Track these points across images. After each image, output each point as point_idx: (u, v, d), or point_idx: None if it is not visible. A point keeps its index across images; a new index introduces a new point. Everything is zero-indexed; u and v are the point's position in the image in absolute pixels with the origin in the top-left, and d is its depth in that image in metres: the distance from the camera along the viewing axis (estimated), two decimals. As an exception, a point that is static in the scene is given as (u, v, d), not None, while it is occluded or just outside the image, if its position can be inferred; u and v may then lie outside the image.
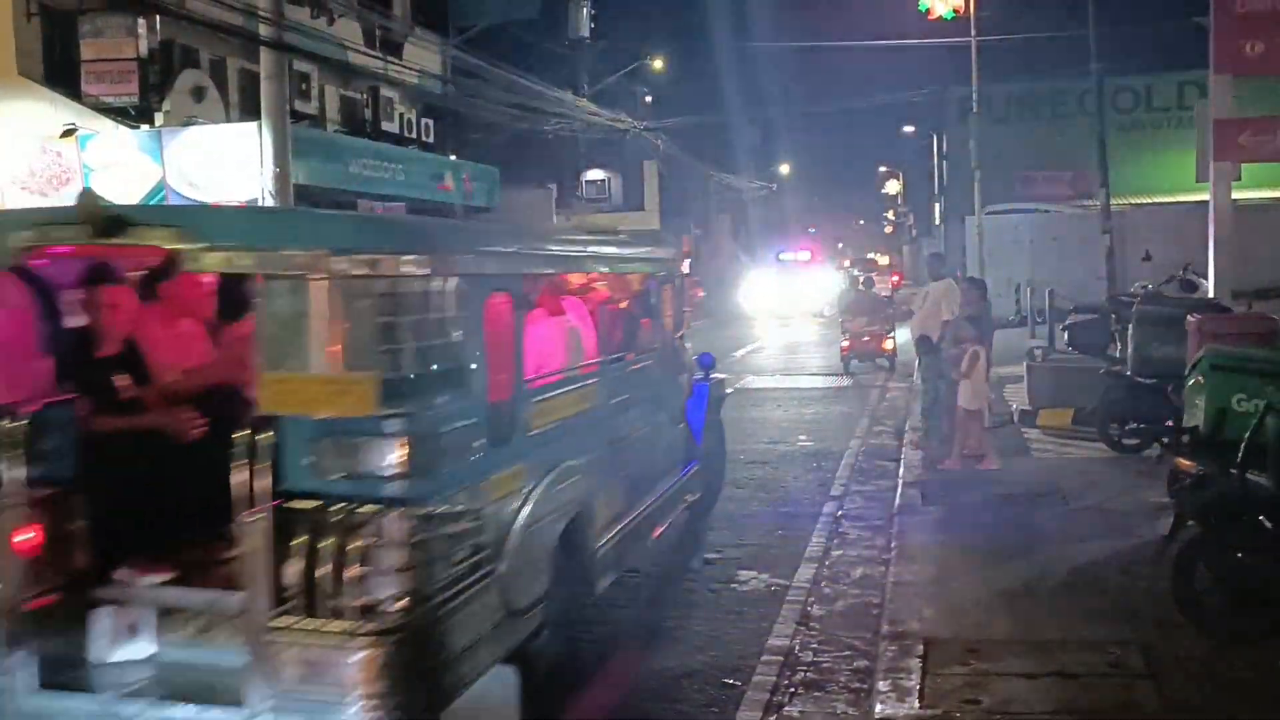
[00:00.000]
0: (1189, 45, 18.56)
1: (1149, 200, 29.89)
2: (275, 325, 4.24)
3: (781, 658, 6.12)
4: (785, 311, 35.26)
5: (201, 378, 5.07)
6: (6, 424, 4.36)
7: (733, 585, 7.63)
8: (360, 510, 4.10)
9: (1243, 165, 13.30)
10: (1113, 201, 22.73)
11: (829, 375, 19.76)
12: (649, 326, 7.63)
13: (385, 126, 24.46)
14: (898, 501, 9.26)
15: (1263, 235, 20.89)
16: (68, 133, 17.39)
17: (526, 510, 5.04)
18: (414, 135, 25.76)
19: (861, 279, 22.01)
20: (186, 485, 4.63)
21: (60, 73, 17.89)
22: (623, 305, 7.36)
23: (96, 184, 17.31)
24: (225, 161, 17.02)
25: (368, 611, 4.05)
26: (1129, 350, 10.68)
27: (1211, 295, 12.77)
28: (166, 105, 18.17)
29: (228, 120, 19.36)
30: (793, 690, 5.68)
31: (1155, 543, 6.17)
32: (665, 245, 8.92)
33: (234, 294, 5.17)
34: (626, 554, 6.62)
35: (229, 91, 21.09)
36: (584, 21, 29.47)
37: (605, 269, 6.98)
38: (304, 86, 21.06)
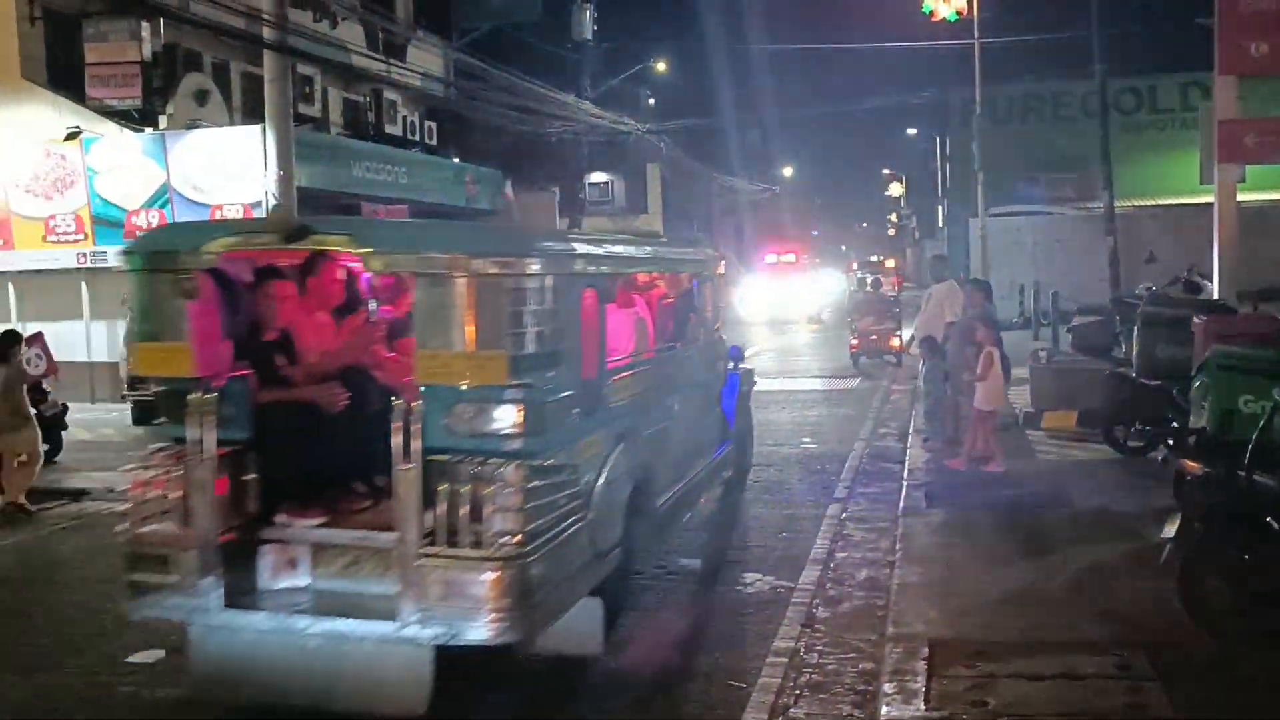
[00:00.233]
0: (1193, 46, 18.52)
1: (1153, 202, 29.85)
2: (426, 313, 5.26)
3: (787, 660, 6.11)
4: (777, 316, 33.46)
5: (333, 360, 6.05)
6: (202, 395, 5.40)
7: (738, 587, 7.63)
8: (488, 462, 5.15)
9: (1247, 167, 13.26)
10: (1116, 203, 22.70)
11: (832, 377, 19.75)
12: (695, 320, 8.76)
13: (388, 129, 24.46)
14: (902, 504, 9.24)
15: (1268, 237, 20.83)
16: (71, 136, 17.42)
17: (606, 470, 6.11)
18: (417, 138, 25.76)
19: (869, 280, 22.64)
20: (333, 446, 5.73)
21: (64, 76, 17.91)
22: (675, 301, 8.53)
23: (100, 187, 17.36)
24: (229, 165, 17.04)
25: (493, 543, 5.08)
26: (1134, 352, 10.65)
27: (1216, 297, 12.75)
28: (170, 109, 18.17)
29: (231, 123, 19.36)
30: (798, 692, 5.67)
31: (1162, 545, 6.14)
32: (706, 249, 9.92)
33: (353, 292, 6.52)
34: (679, 516, 7.86)
35: (232, 95, 21.09)
36: (587, 24, 29.44)
37: (663, 269, 8.22)
38: (307, 89, 21.07)
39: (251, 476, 5.68)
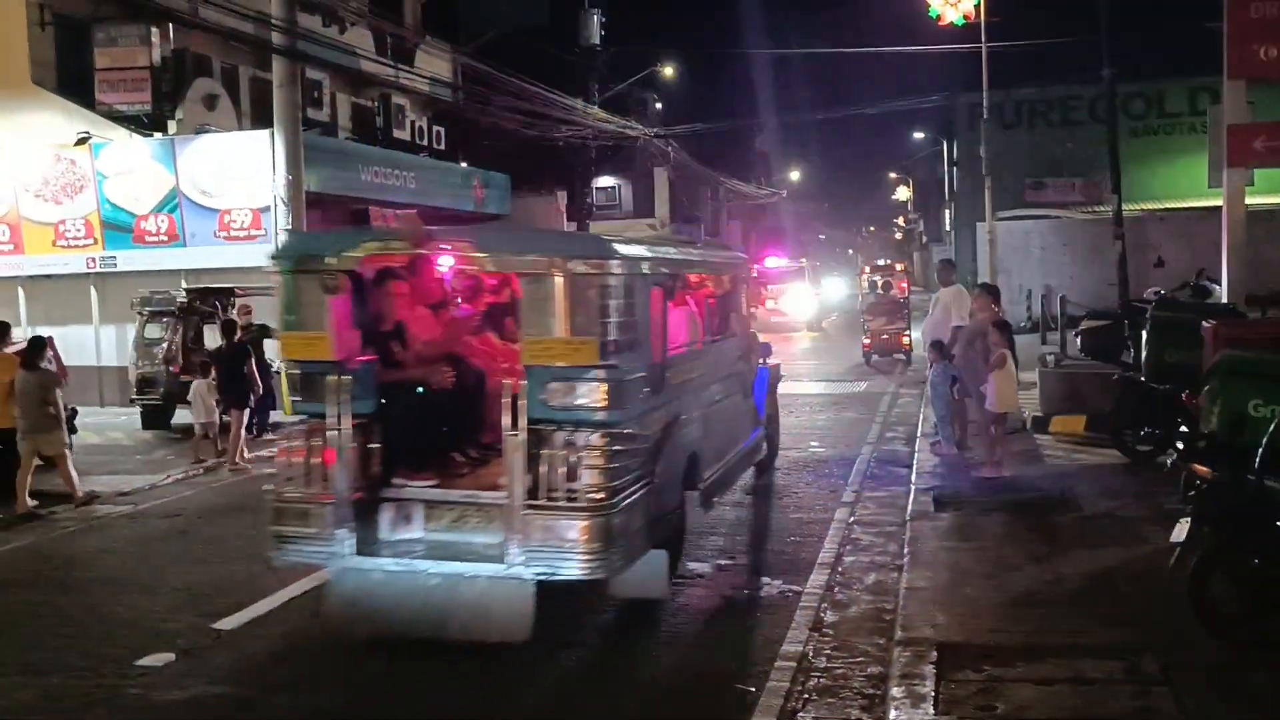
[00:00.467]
0: (1202, 50, 18.49)
1: (1161, 206, 29.80)
2: (530, 306, 6.25)
3: (795, 664, 6.10)
4: (773, 323, 31.16)
5: (435, 347, 7.11)
6: (340, 376, 6.37)
7: (746, 591, 7.63)
8: (579, 430, 6.14)
9: (1256, 171, 13.23)
10: (1125, 207, 22.65)
11: (840, 381, 19.73)
12: (733, 316, 9.67)
13: (397, 134, 24.51)
14: (910, 508, 9.22)
15: (1276, 241, 20.81)
16: (81, 141, 17.50)
17: (668, 442, 7.02)
18: (425, 142, 25.82)
19: (881, 283, 23.80)
20: (438, 419, 6.82)
21: (74, 81, 17.98)
22: (718, 299, 9.37)
23: (109, 191, 17.42)
24: (238, 169, 17.10)
25: (584, 497, 6.07)
26: (1143, 356, 10.63)
27: (1225, 301, 12.71)
28: (179, 113, 18.25)
29: (240, 128, 19.44)
30: (806, 696, 5.66)
31: (1171, 549, 6.12)
32: (740, 254, 11.14)
33: (445, 290, 7.72)
34: (721, 492, 8.69)
35: (241, 99, 21.16)
36: (594, 29, 29.48)
37: (708, 271, 9.04)
38: (316, 94, 21.13)
39: (375, 445, 6.59)
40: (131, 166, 17.46)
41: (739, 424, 9.49)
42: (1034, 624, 6.21)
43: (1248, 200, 12.99)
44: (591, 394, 6.16)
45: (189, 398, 13.30)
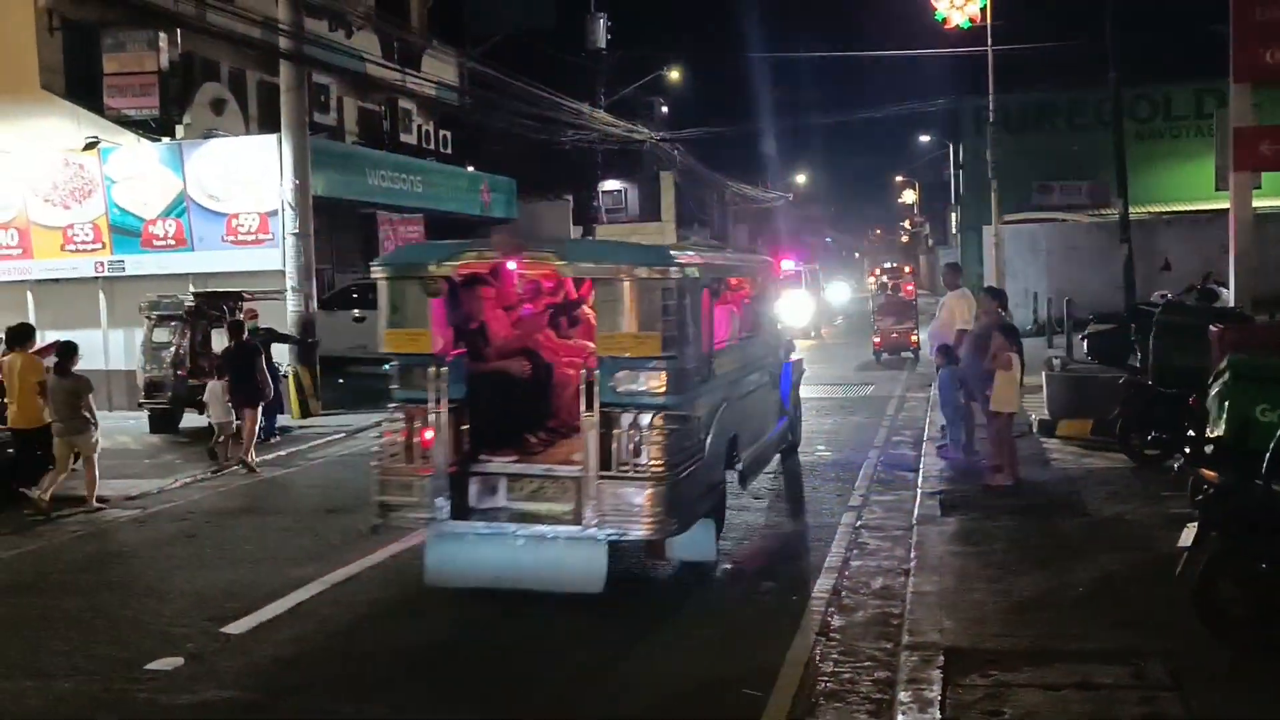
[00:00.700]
0: (1208, 53, 18.46)
1: (1168, 209, 29.74)
2: (603, 305, 7.29)
3: (802, 668, 6.11)
4: None
5: (510, 343, 8.21)
6: (439, 367, 7.37)
7: (753, 595, 7.64)
8: (642, 412, 7.07)
9: (1263, 173, 13.22)
10: (1131, 210, 22.61)
11: (846, 385, 19.72)
12: (764, 315, 10.64)
13: (403, 138, 24.57)
14: (917, 512, 9.22)
15: (1284, 244, 20.69)
16: (90, 145, 17.56)
17: (714, 425, 7.93)
18: (431, 146, 25.87)
19: (890, 285, 25.19)
20: (514, 404, 7.88)
21: (82, 87, 18.06)
22: (752, 299, 10.18)
23: (117, 196, 17.48)
24: (245, 173, 17.15)
25: (648, 469, 7.03)
26: (1150, 360, 10.62)
27: (1233, 304, 12.70)
28: (187, 118, 18.32)
29: (247, 133, 19.51)
30: (814, 701, 5.66)
31: (1178, 554, 6.12)
32: (768, 259, 12.28)
33: (516, 293, 8.84)
34: (755, 472, 9.60)
35: (249, 104, 21.24)
36: (601, 33, 29.54)
37: (744, 274, 9.93)
38: (323, 98, 21.19)
39: (465, 426, 7.62)
40: (139, 171, 17.51)
41: (769, 412, 10.47)
42: (1041, 628, 6.21)
43: (1255, 203, 12.99)
44: (654, 381, 7.12)
45: (205, 399, 13.37)
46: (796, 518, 9.91)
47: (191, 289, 16.45)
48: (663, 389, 7.13)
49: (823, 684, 5.87)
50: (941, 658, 5.80)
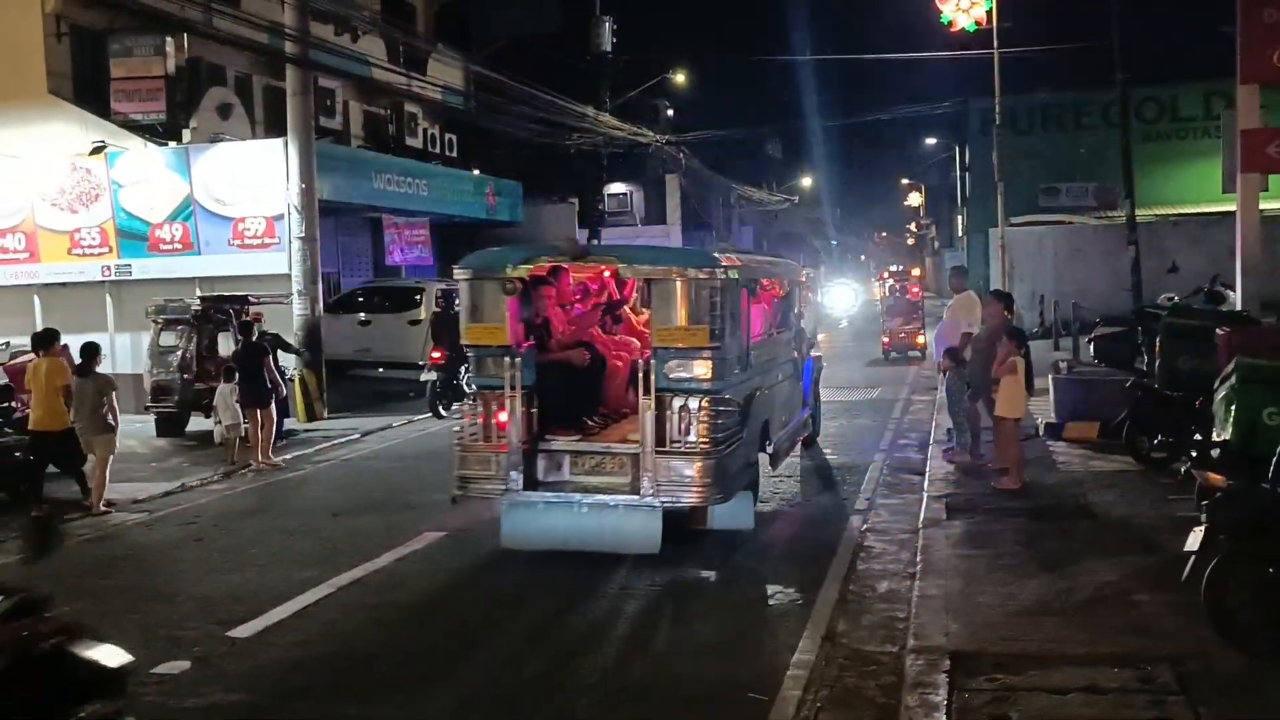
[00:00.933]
0: (1215, 55, 18.42)
1: (1175, 211, 29.66)
2: (659, 302, 8.22)
3: (807, 673, 6.10)
4: None
5: (569, 337, 9.33)
6: (513, 357, 8.28)
7: (758, 599, 7.63)
8: (691, 396, 8.07)
9: (1270, 176, 13.18)
10: (1138, 213, 22.58)
11: (852, 388, 19.69)
12: (791, 313, 11.57)
13: (409, 142, 24.58)
14: (923, 515, 9.21)
15: (1291, 246, 20.61)
16: (97, 150, 17.61)
17: (751, 409, 8.85)
18: (437, 150, 25.87)
19: (898, 287, 26.69)
20: (577, 391, 8.93)
21: (89, 91, 18.11)
22: (781, 298, 11.00)
23: (124, 200, 17.53)
24: (251, 177, 17.19)
25: (695, 445, 8.04)
26: (1157, 363, 10.59)
27: (1240, 307, 12.66)
28: (193, 122, 18.35)
29: (253, 137, 19.53)
30: (819, 705, 5.65)
31: (1185, 557, 6.09)
32: (794, 263, 13.20)
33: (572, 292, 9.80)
34: (782, 456, 10.49)
35: (255, 108, 21.28)
36: (606, 36, 29.52)
37: (775, 276, 10.67)
38: (329, 103, 21.22)
39: (534, 409, 8.51)
40: (146, 175, 17.56)
41: (794, 402, 11.44)
42: (1047, 632, 6.20)
43: (1262, 205, 12.95)
44: (701, 368, 8.07)
45: (214, 402, 13.42)
46: (802, 521, 9.89)
47: (198, 293, 16.49)
48: (709, 376, 8.07)
49: (828, 688, 5.85)
50: (948, 662, 5.79)
